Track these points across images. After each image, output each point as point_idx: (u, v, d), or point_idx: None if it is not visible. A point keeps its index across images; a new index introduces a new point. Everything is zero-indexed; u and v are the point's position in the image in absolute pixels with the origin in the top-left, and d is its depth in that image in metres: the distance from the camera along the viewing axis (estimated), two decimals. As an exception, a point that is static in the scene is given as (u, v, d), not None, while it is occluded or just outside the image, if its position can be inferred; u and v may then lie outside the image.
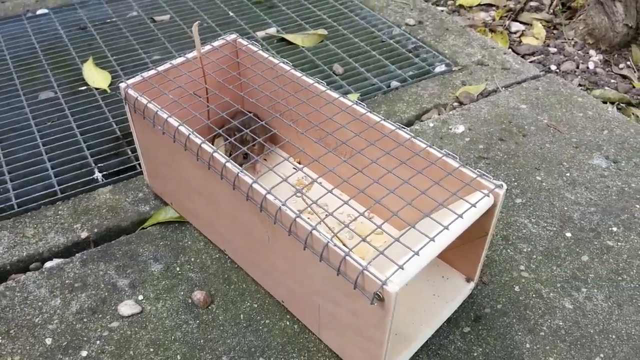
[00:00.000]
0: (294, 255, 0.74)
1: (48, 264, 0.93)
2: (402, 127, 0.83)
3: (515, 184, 1.09)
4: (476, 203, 0.72)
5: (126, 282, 0.90)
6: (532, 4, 1.80)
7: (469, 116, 1.26)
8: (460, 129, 1.22)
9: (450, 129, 1.22)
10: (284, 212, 0.70)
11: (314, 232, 0.67)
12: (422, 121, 1.25)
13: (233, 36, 1.02)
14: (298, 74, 0.93)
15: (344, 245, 0.66)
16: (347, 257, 0.64)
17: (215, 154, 0.77)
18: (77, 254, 0.94)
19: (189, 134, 0.80)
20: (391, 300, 0.62)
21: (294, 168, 1.05)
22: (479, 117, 1.26)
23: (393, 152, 0.79)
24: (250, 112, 1.02)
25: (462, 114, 1.27)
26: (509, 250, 0.97)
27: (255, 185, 0.73)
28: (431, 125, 1.23)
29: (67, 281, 0.90)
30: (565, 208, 1.05)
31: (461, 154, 1.16)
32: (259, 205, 0.73)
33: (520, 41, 1.65)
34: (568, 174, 1.12)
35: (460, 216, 0.70)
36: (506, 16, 1.76)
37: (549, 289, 0.91)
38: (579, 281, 0.92)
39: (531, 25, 1.71)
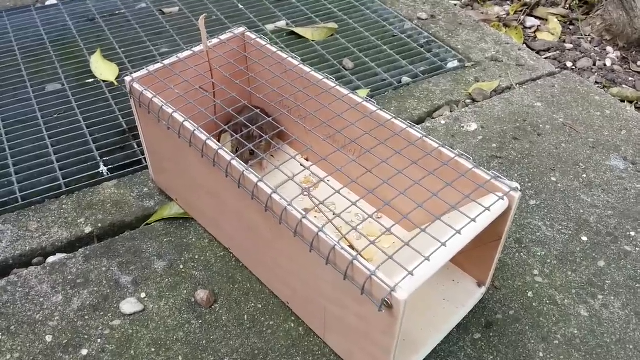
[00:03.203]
0: (299, 257, 0.72)
1: (51, 259, 0.91)
2: (413, 126, 0.80)
3: (530, 184, 1.06)
4: (490, 206, 0.69)
5: (129, 279, 0.88)
6: (549, -1, 1.76)
7: (482, 114, 1.23)
8: (473, 126, 1.19)
9: (463, 127, 1.19)
10: (290, 212, 0.68)
11: (321, 234, 0.65)
12: (433, 118, 1.22)
13: (241, 29, 0.99)
14: (307, 69, 0.91)
15: (351, 246, 0.64)
16: (355, 262, 0.62)
17: (220, 151, 0.75)
18: (80, 249, 0.93)
19: (194, 129, 0.78)
20: (400, 307, 0.59)
21: (301, 166, 1.02)
22: (492, 115, 1.23)
23: (404, 151, 0.76)
24: (257, 108, 1.00)
25: (475, 112, 1.23)
26: (522, 254, 0.94)
27: (260, 184, 0.71)
28: (443, 122, 1.20)
29: (69, 277, 0.88)
30: (582, 211, 1.02)
31: (474, 153, 1.13)
32: (265, 204, 0.71)
33: (536, 37, 1.61)
34: (584, 175, 1.09)
35: (474, 220, 0.67)
36: (521, 11, 1.72)
37: (563, 295, 0.88)
38: (595, 288, 0.89)
39: (547, 20, 1.67)
